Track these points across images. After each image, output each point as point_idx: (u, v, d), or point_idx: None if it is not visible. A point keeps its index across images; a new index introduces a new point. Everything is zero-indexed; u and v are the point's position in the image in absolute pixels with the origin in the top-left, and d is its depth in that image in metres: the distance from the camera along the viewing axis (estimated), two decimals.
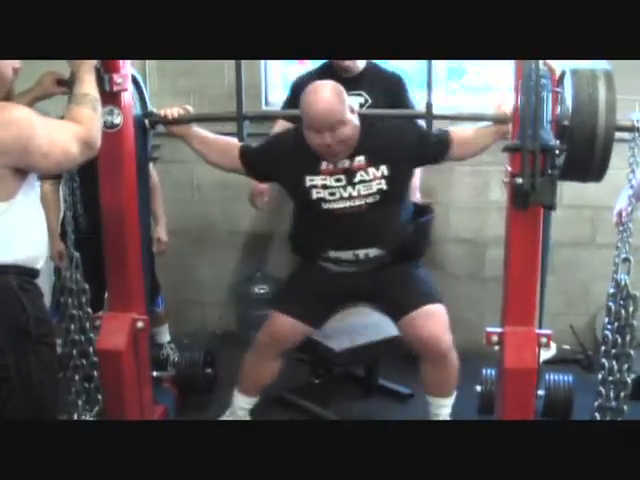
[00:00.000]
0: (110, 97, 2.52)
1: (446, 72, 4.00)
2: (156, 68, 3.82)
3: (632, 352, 2.54)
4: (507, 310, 2.66)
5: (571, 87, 2.30)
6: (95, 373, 2.73)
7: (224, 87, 3.59)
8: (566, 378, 3.04)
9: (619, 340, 2.51)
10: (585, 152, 2.30)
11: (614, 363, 2.54)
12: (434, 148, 2.81)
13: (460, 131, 2.84)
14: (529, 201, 2.39)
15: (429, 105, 2.68)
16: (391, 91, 3.40)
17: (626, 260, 2.51)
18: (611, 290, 2.55)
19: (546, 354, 2.74)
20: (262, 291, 3.87)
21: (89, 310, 2.72)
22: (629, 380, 2.53)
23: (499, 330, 2.64)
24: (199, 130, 2.88)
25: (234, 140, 2.85)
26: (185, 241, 3.95)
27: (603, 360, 2.56)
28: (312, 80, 2.81)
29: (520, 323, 2.62)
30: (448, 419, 2.95)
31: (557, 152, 2.37)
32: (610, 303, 2.54)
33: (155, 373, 3.15)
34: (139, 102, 2.82)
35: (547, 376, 3.03)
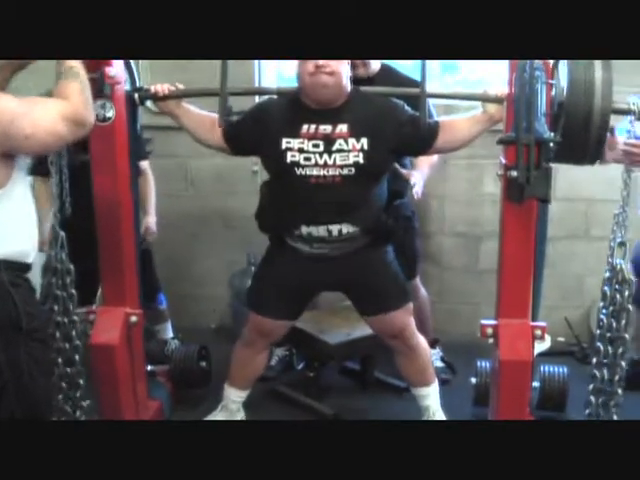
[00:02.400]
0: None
1: (440, 67, 3.99)
2: (149, 62, 3.80)
3: (627, 336, 2.55)
4: (502, 303, 2.67)
5: (567, 69, 2.29)
6: (77, 357, 2.70)
7: (217, 82, 3.57)
8: (561, 370, 3.05)
9: (614, 324, 2.52)
10: (580, 135, 2.29)
11: (609, 347, 2.55)
12: (422, 134, 2.68)
13: (450, 119, 2.78)
14: (524, 194, 2.38)
15: (423, 84, 2.60)
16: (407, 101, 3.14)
17: (622, 245, 2.51)
18: (607, 274, 2.55)
19: (541, 346, 2.74)
20: None
21: (73, 292, 2.67)
22: (623, 364, 2.55)
23: (494, 322, 2.65)
24: (188, 107, 2.83)
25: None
26: (179, 235, 3.95)
27: (598, 343, 2.57)
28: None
29: (515, 315, 2.63)
30: (440, 412, 2.96)
31: (551, 144, 2.37)
32: (606, 287, 2.55)
33: (149, 367, 3.14)
34: (128, 77, 2.76)
35: (542, 368, 3.04)
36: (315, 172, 2.64)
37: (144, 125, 3.15)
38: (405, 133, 2.68)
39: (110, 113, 2.60)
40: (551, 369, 3.05)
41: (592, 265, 3.78)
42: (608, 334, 2.55)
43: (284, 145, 2.65)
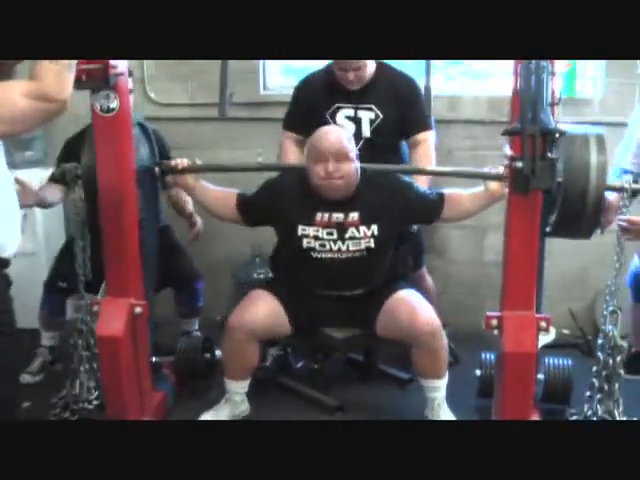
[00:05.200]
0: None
1: None
2: None
3: (620, 398, 2.67)
4: (506, 294, 2.66)
5: (565, 150, 2.41)
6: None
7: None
8: (565, 362, 3.04)
9: (606, 388, 2.62)
10: (576, 213, 2.45)
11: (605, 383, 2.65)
12: (427, 209, 2.92)
13: (454, 194, 2.92)
14: (529, 185, 2.37)
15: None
16: (404, 99, 3.20)
17: (613, 313, 2.64)
18: (600, 341, 2.68)
19: (545, 338, 2.74)
20: (261, 276, 3.85)
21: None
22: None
23: (498, 314, 2.64)
24: (204, 183, 3.01)
25: (234, 191, 3.00)
26: (182, 227, 3.94)
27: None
28: (316, 79, 2.87)
29: (519, 307, 2.62)
30: (445, 404, 2.96)
31: (557, 135, 2.36)
32: (599, 353, 2.67)
33: (154, 359, 3.14)
34: (149, 152, 2.94)
35: (546, 360, 3.03)
36: (329, 255, 2.88)
37: (148, 117, 3.15)
38: (413, 210, 2.92)
39: (114, 104, 2.60)
40: (556, 361, 3.05)
41: (596, 257, 3.75)
42: (599, 395, 2.68)
43: (300, 232, 2.87)
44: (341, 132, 2.86)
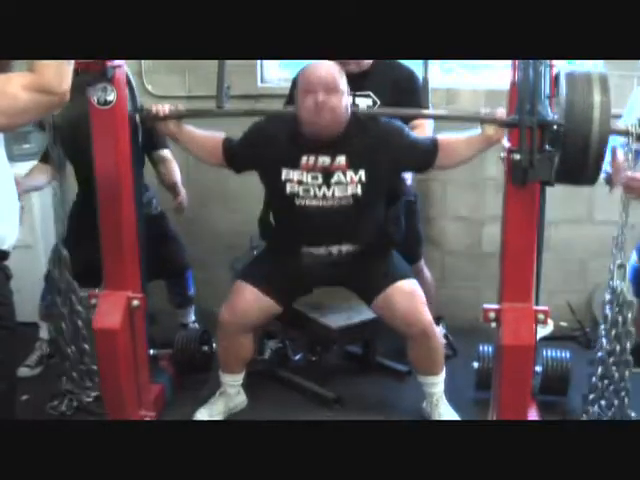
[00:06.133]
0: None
1: None
2: None
3: (630, 359, 2.61)
4: (504, 287, 2.66)
5: (565, 89, 2.29)
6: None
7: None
8: (563, 355, 3.05)
9: (617, 348, 2.55)
10: (578, 158, 2.31)
11: (615, 343, 2.56)
12: (420, 156, 2.78)
13: (449, 139, 2.77)
14: (527, 177, 2.37)
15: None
16: (402, 88, 3.12)
17: (621, 267, 2.57)
18: (607, 297, 2.62)
19: (543, 331, 2.74)
20: None
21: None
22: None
23: (496, 307, 2.64)
24: (188, 128, 2.86)
25: (220, 135, 2.87)
26: (179, 219, 3.93)
27: (607, 311, 2.61)
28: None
29: (517, 300, 2.62)
30: (443, 398, 2.96)
31: (555, 127, 2.35)
32: (607, 310, 2.62)
33: (152, 351, 3.14)
34: (129, 97, 2.77)
35: (544, 352, 3.04)
36: (314, 203, 2.75)
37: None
38: (404, 157, 2.77)
39: (111, 97, 2.59)
40: (553, 353, 3.05)
41: (595, 249, 3.77)
42: (611, 358, 2.61)
43: (284, 176, 2.75)
44: (332, 65, 2.68)
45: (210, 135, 2.88)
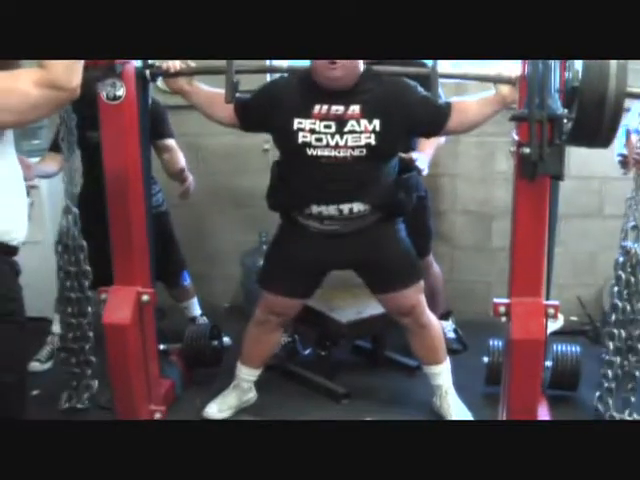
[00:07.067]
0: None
1: None
2: None
3: None
4: (514, 281, 2.65)
5: None
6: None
7: None
8: (573, 349, 3.04)
9: (628, 308, 2.53)
10: (594, 117, 2.25)
11: (627, 303, 2.55)
12: (433, 115, 2.71)
13: (462, 101, 2.77)
14: (537, 171, 2.36)
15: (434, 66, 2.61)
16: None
17: (635, 228, 2.52)
18: (620, 258, 2.59)
19: (553, 325, 2.73)
20: None
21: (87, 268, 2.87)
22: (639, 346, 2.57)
23: (506, 301, 2.63)
24: (199, 85, 2.82)
25: None
26: (190, 215, 3.94)
27: (616, 301, 2.61)
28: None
29: (527, 294, 2.60)
30: (452, 391, 2.97)
31: (565, 121, 2.34)
32: (620, 271, 2.60)
33: (162, 346, 3.15)
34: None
35: (554, 347, 3.03)
36: (326, 153, 2.65)
37: None
38: (417, 114, 2.69)
39: (120, 92, 2.60)
40: (564, 348, 3.04)
41: (605, 243, 3.75)
42: (622, 317, 2.56)
43: (296, 125, 2.66)
44: None
45: (221, 91, 2.76)
